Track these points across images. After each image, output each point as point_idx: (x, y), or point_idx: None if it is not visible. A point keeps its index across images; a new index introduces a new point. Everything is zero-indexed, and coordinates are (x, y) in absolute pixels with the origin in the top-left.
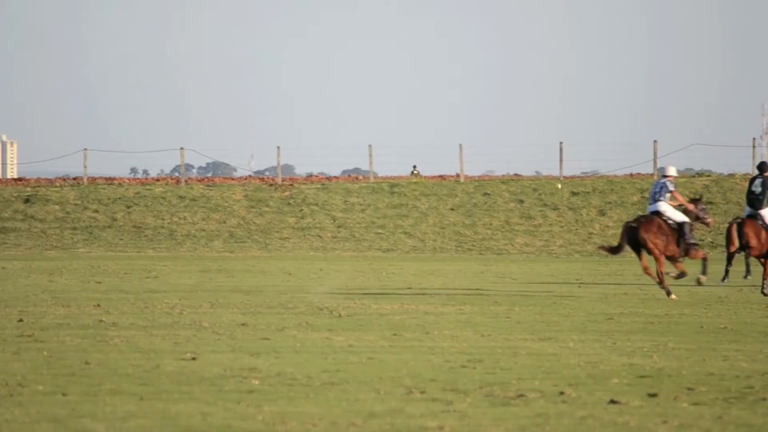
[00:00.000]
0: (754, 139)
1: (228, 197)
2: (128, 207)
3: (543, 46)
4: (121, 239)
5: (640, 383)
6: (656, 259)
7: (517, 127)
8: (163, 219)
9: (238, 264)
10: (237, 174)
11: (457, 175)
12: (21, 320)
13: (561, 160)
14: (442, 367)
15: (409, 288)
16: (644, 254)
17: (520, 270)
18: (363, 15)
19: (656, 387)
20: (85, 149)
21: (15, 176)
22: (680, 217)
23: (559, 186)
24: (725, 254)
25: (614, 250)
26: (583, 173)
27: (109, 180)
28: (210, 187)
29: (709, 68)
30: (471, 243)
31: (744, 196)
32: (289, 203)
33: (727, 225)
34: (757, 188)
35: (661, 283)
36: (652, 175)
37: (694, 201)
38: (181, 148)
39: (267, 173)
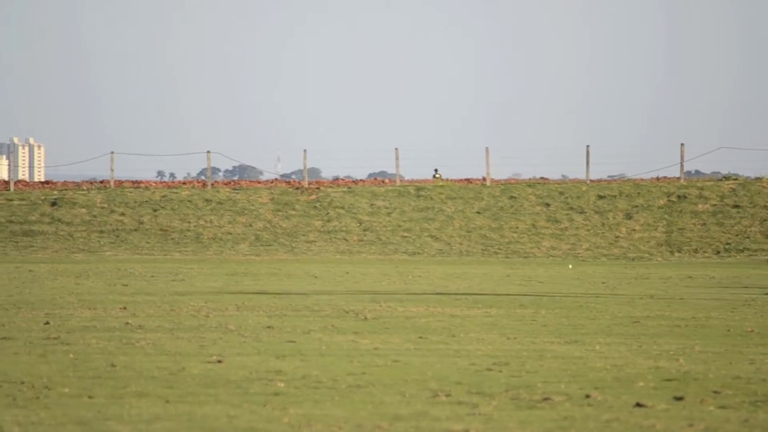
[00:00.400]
0: None
1: (254, 200)
2: (155, 210)
3: (569, 48)
4: (147, 242)
5: (666, 386)
6: None
7: (544, 130)
8: (189, 222)
9: (264, 267)
10: (263, 177)
11: (484, 179)
12: (47, 323)
13: (588, 163)
14: (468, 370)
15: (436, 291)
16: None
17: (547, 273)
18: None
19: (682, 390)
20: (112, 152)
21: (42, 179)
22: None
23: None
24: None
25: None
26: (609, 176)
27: (136, 183)
28: (236, 190)
29: (737, 70)
30: (497, 246)
31: None
32: (315, 206)
33: (753, 229)
34: None
35: None
36: (678, 178)
37: None
38: (208, 152)
39: (293, 176)
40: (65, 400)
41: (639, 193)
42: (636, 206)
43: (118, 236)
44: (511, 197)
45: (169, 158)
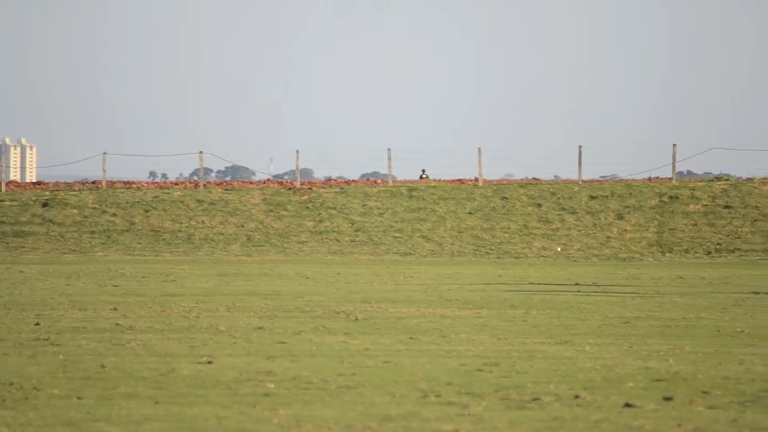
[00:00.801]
0: None
1: (246, 201)
2: (146, 211)
3: (562, 49)
4: (139, 243)
5: (655, 387)
6: None
7: (536, 131)
8: (181, 223)
9: (256, 268)
10: (256, 178)
11: (476, 179)
12: (38, 324)
13: (580, 164)
14: (458, 371)
15: (426, 292)
16: None
17: (538, 274)
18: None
19: (672, 390)
20: (105, 153)
21: (34, 180)
22: None
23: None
24: None
25: None
26: (601, 177)
27: (128, 184)
28: (228, 190)
29: (729, 71)
30: (489, 247)
31: (761, 200)
32: (307, 207)
33: (744, 229)
34: None
35: None
36: (670, 179)
37: None
38: (200, 152)
39: (286, 177)
40: (54, 401)
41: (631, 193)
42: (628, 207)
43: (109, 237)
44: (503, 198)
45: (162, 159)
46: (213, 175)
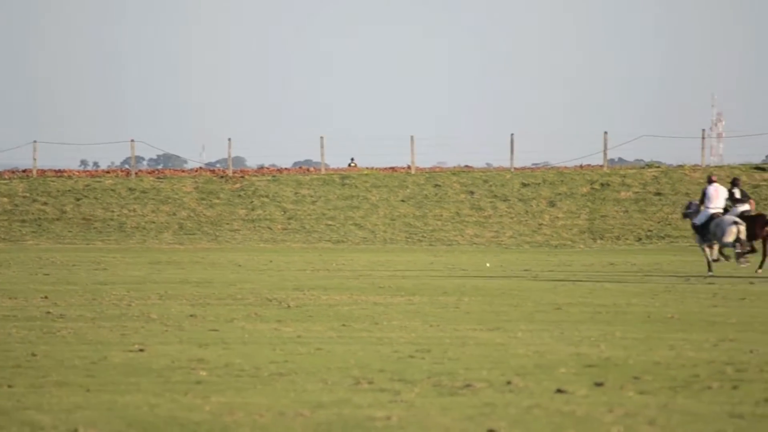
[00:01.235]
0: (703, 130)
1: (178, 189)
2: (78, 199)
3: (491, 37)
4: (70, 231)
5: (586, 372)
6: None
7: (469, 119)
8: (112, 211)
9: (188, 256)
10: (188, 166)
11: (408, 167)
12: None
13: (512, 151)
14: (390, 358)
15: (358, 279)
16: None
17: (470, 261)
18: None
19: (603, 376)
20: (35, 141)
21: None
22: None
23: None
24: None
25: None
26: (533, 164)
27: (59, 172)
28: (160, 179)
29: (659, 59)
30: (421, 234)
31: (691, 187)
32: (239, 195)
33: (675, 216)
34: None
35: None
36: (601, 166)
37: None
38: (132, 140)
39: (218, 165)
40: None
41: (562, 180)
42: (559, 194)
43: (40, 225)
44: (436, 185)
45: (93, 147)
46: (145, 163)
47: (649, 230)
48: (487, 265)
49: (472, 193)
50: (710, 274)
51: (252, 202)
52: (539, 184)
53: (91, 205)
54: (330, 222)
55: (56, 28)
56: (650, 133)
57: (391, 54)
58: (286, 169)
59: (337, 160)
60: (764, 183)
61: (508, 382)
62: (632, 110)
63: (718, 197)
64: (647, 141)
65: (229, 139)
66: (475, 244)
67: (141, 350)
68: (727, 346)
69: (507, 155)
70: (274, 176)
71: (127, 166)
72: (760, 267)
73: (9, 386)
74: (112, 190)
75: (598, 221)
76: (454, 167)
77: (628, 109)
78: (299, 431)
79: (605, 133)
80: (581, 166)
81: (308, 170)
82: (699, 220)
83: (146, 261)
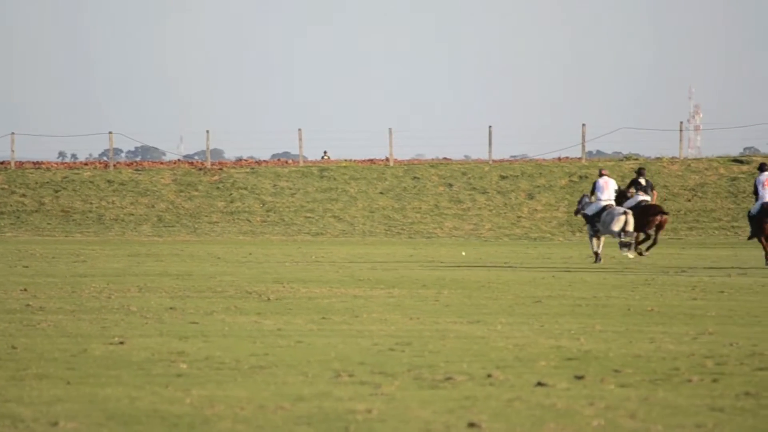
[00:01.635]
0: (681, 123)
1: (157, 181)
2: (56, 191)
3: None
4: (48, 223)
5: (567, 365)
6: None
7: (447, 111)
8: (91, 203)
9: (167, 248)
10: (166, 158)
11: (387, 159)
12: None
13: (490, 144)
14: (371, 351)
15: (338, 272)
16: None
17: (449, 253)
18: None
19: (583, 369)
20: (13, 133)
21: None
22: None
23: (463, 253)
24: None
25: None
26: (512, 157)
27: (37, 164)
28: (139, 171)
29: (636, 51)
30: (400, 227)
31: (670, 179)
32: (218, 187)
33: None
34: None
35: None
36: (580, 158)
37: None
38: (110, 132)
39: (196, 157)
40: None
41: (541, 173)
42: (538, 186)
43: (18, 217)
44: (414, 178)
45: (71, 139)
46: (123, 155)
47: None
48: (463, 254)
49: (450, 185)
50: (597, 262)
51: (231, 194)
52: (518, 176)
53: (69, 197)
54: (309, 214)
55: (33, 19)
56: (628, 125)
57: (369, 46)
58: (264, 161)
59: (315, 153)
60: (742, 175)
61: (489, 375)
62: (610, 103)
63: (608, 189)
64: (625, 133)
65: (207, 131)
66: (454, 236)
67: (121, 343)
68: (706, 339)
69: (485, 148)
70: (252, 168)
71: (105, 158)
72: (647, 250)
73: None
74: (91, 182)
75: None
76: (433, 159)
77: (606, 101)
78: (280, 424)
79: (583, 125)
80: (559, 159)
81: (287, 162)
82: (591, 210)
83: (125, 253)
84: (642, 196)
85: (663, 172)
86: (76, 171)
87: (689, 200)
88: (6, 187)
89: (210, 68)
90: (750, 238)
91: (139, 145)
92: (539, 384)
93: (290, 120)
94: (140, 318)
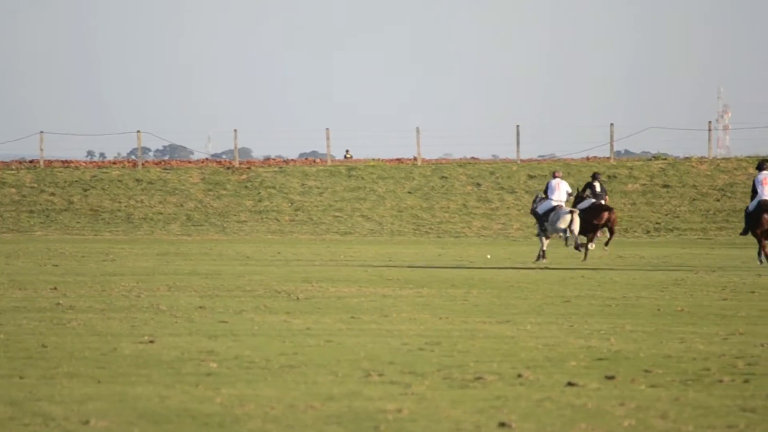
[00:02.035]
0: (710, 122)
1: (185, 180)
2: (85, 190)
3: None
4: (77, 222)
5: (597, 366)
6: None
7: (475, 110)
8: (120, 202)
9: (196, 247)
10: (194, 157)
11: (414, 159)
12: None
13: (518, 143)
14: (400, 350)
15: (367, 271)
16: None
17: (477, 253)
18: None
19: (613, 369)
20: (42, 132)
21: None
22: None
23: (489, 256)
24: None
25: None
26: (540, 156)
27: (66, 163)
28: (167, 170)
29: (665, 51)
30: (428, 226)
31: (698, 179)
32: (246, 186)
33: (683, 208)
34: None
35: None
36: (608, 158)
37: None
38: (138, 131)
39: (224, 156)
40: None
41: (569, 173)
42: None
43: (48, 216)
44: (442, 177)
45: (100, 138)
46: (151, 154)
47: (657, 223)
48: (488, 257)
49: (478, 185)
50: (543, 262)
51: (259, 193)
52: (546, 176)
53: (98, 196)
54: (337, 213)
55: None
56: (657, 125)
57: (398, 46)
58: (292, 160)
59: (343, 152)
60: None
61: (519, 375)
62: (639, 102)
63: (559, 190)
64: (654, 133)
65: (235, 130)
66: (482, 236)
67: (151, 342)
68: (737, 340)
69: (513, 147)
70: (280, 167)
71: (133, 157)
72: (606, 244)
73: (20, 377)
74: (119, 181)
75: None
76: (460, 159)
77: (634, 101)
78: (310, 423)
79: (611, 124)
80: (588, 158)
81: (314, 161)
82: (542, 209)
83: (154, 252)
84: (598, 200)
85: (692, 172)
86: (104, 170)
87: (718, 200)
88: (35, 185)
89: (238, 67)
90: (743, 233)
91: (167, 143)
92: (570, 384)
93: (318, 119)
94: (170, 317)
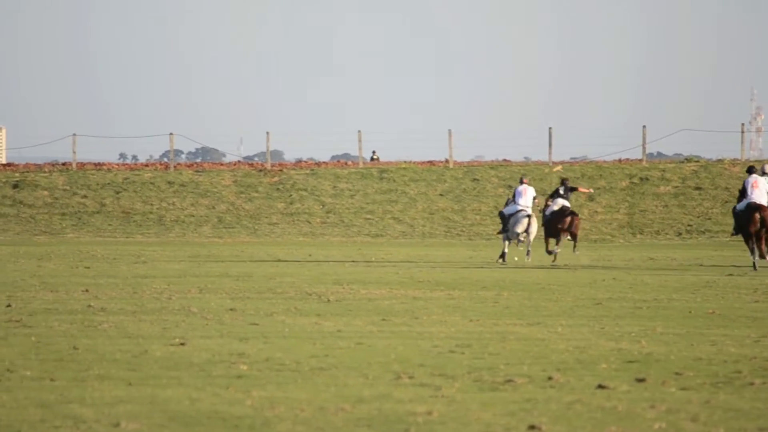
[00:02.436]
0: (742, 124)
1: (217, 183)
2: (117, 192)
3: (532, 31)
4: (109, 225)
5: (628, 368)
6: None
7: (507, 112)
8: (152, 204)
9: (227, 249)
10: (226, 159)
11: (446, 161)
12: (9, 305)
13: (550, 145)
14: (431, 353)
15: (398, 273)
16: None
17: (509, 256)
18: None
19: (644, 372)
20: (74, 134)
21: (4, 162)
22: None
23: (516, 258)
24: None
25: None
26: (572, 158)
27: (98, 165)
28: (199, 172)
29: (699, 53)
30: (460, 228)
31: (731, 181)
32: (278, 189)
33: (715, 210)
34: None
35: None
36: (640, 160)
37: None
38: (170, 134)
39: (256, 159)
40: (27, 382)
41: (601, 175)
42: (598, 188)
43: (80, 218)
44: (474, 179)
45: (132, 140)
46: (183, 156)
47: (689, 225)
48: (515, 259)
49: (510, 187)
50: (502, 263)
51: (290, 195)
52: (578, 178)
53: (130, 199)
54: (368, 216)
55: (96, 23)
56: (689, 127)
57: (429, 48)
58: (324, 162)
59: (370, 153)
60: None
61: (549, 378)
62: (671, 104)
63: (525, 195)
64: (686, 135)
65: (267, 133)
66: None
67: (182, 344)
68: None
69: (545, 149)
70: (312, 170)
71: (165, 160)
72: (574, 249)
73: (51, 380)
74: (152, 183)
75: (638, 216)
76: (492, 161)
77: (667, 102)
78: (340, 426)
79: (644, 126)
80: (620, 161)
81: (346, 164)
82: (507, 211)
83: (186, 254)
84: (563, 202)
85: (724, 174)
86: (136, 172)
87: None
88: (68, 188)
89: (270, 70)
90: (734, 233)
91: (199, 146)
92: (600, 387)
93: (350, 121)
94: (201, 319)
